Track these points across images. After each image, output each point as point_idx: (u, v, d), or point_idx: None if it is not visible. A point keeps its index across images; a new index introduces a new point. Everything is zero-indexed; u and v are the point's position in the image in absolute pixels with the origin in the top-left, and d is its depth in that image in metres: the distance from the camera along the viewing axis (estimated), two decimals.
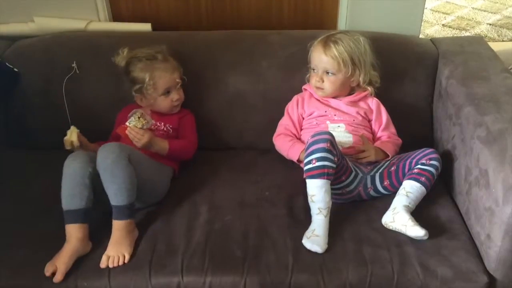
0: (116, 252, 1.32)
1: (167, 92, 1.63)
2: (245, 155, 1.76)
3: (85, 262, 1.33)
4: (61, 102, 1.72)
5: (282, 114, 1.72)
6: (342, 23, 1.90)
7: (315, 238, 1.34)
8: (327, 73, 1.62)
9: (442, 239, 1.37)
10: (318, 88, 1.65)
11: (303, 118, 1.69)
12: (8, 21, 1.86)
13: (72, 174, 1.36)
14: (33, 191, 1.56)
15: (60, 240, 1.33)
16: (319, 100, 1.68)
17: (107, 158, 1.35)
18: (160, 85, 1.61)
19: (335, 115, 1.64)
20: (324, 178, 1.37)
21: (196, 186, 1.58)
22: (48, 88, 1.74)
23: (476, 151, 1.36)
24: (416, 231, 1.34)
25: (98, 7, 1.86)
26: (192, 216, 1.45)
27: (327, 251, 1.33)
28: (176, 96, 1.65)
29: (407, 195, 1.43)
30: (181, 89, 1.68)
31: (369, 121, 1.67)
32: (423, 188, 1.44)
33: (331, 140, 1.38)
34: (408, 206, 1.41)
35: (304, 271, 1.30)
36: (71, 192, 1.35)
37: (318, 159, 1.37)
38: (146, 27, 1.87)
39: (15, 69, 1.72)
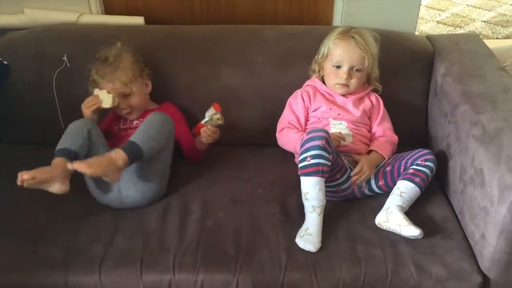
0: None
1: None
2: (238, 151, 1.74)
3: (76, 257, 1.30)
4: (51, 95, 1.69)
5: (275, 110, 1.70)
6: (338, 19, 1.88)
7: (308, 237, 1.32)
8: (353, 69, 1.56)
9: (436, 238, 1.36)
10: (343, 85, 1.58)
11: (308, 113, 1.63)
12: None
13: (74, 126, 1.44)
14: (20, 186, 1.53)
15: (47, 238, 1.31)
16: (324, 96, 1.62)
17: (160, 117, 1.46)
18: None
19: (339, 114, 1.59)
20: (318, 176, 1.35)
21: (188, 183, 1.56)
22: (38, 81, 1.71)
23: (472, 150, 1.35)
24: (411, 231, 1.33)
25: None
26: (184, 213, 1.44)
27: (320, 249, 1.32)
28: (121, 104, 1.58)
29: (401, 195, 1.42)
30: (137, 95, 1.59)
31: (370, 117, 1.64)
32: (417, 188, 1.43)
33: (327, 137, 1.37)
34: (402, 206, 1.40)
35: (297, 270, 1.29)
36: (69, 137, 1.41)
37: (313, 157, 1.35)
38: (139, 20, 1.84)
39: (5, 62, 1.69)
